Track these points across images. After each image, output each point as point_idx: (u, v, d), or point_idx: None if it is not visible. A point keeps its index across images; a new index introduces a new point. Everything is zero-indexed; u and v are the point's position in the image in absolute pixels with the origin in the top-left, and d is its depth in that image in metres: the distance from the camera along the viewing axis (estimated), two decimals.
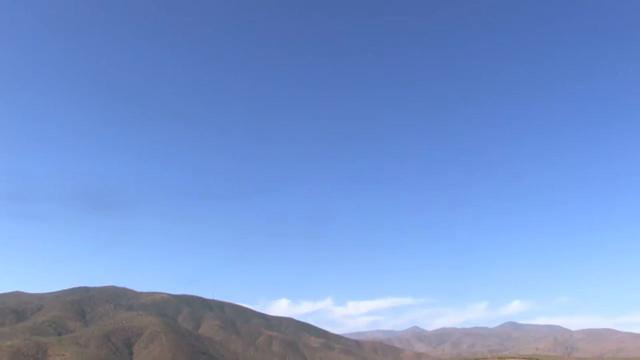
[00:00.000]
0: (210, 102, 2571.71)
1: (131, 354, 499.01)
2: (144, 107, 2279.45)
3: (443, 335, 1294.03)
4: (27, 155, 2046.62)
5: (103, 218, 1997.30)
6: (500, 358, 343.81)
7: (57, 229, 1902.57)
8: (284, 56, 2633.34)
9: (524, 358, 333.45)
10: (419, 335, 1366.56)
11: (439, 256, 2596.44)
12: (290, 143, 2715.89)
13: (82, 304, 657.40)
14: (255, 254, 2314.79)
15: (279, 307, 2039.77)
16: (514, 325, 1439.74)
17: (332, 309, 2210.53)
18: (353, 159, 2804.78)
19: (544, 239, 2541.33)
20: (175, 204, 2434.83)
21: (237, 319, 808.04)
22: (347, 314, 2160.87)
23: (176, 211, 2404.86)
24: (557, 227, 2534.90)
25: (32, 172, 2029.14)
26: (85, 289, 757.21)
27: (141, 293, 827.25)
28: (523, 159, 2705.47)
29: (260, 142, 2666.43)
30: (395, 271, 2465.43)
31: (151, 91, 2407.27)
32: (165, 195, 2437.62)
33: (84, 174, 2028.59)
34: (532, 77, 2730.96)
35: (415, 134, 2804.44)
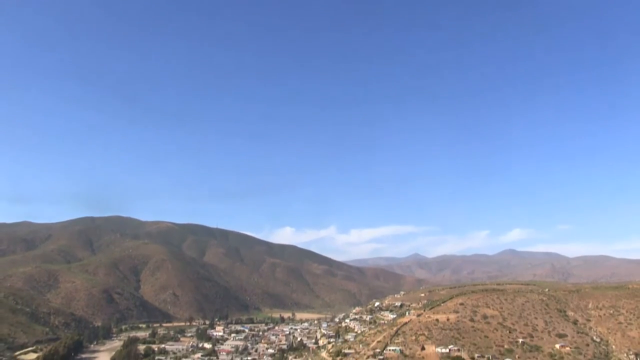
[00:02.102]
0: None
1: (138, 280, 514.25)
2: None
3: (443, 262, 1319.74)
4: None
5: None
6: (499, 284, 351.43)
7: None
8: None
9: (522, 284, 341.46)
10: (420, 262, 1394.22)
11: (441, 185, 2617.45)
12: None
13: (88, 233, 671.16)
14: (259, 182, 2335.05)
15: (283, 235, 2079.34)
16: (513, 252, 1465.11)
17: (335, 237, 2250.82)
18: (354, 96, 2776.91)
19: (546, 168, 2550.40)
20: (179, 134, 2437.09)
21: (241, 246, 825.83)
22: (350, 242, 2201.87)
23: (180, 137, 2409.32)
24: (560, 156, 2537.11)
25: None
26: (91, 219, 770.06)
27: (146, 222, 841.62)
28: (525, 85, 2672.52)
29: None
30: (398, 200, 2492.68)
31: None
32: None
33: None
34: None
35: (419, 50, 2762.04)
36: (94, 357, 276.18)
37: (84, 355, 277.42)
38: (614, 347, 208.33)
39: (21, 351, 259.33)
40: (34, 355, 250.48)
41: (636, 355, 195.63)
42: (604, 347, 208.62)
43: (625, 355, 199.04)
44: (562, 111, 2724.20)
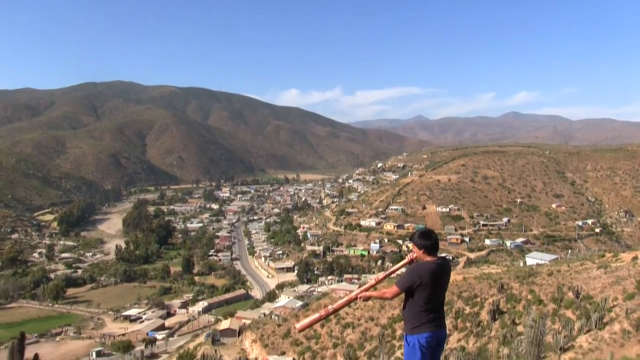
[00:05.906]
0: None
1: (144, 145, 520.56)
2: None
3: (446, 125, 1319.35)
4: None
5: None
6: (501, 146, 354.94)
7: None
8: None
9: (523, 146, 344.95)
10: (423, 124, 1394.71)
11: (448, 45, 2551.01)
12: None
13: (92, 99, 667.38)
14: (262, 41, 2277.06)
15: (288, 97, 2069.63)
16: (516, 115, 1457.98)
17: (340, 99, 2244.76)
18: None
19: (556, 31, 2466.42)
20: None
21: (245, 109, 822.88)
22: (355, 104, 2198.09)
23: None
24: (571, 19, 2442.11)
25: None
26: (94, 85, 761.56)
27: (149, 87, 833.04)
28: None
29: None
30: (404, 61, 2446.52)
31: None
32: None
33: None
34: None
35: None
36: (107, 218, 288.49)
37: (97, 217, 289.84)
38: (606, 205, 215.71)
39: (39, 212, 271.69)
40: (51, 217, 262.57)
41: (626, 212, 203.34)
42: (597, 206, 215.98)
43: (616, 212, 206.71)
44: None
